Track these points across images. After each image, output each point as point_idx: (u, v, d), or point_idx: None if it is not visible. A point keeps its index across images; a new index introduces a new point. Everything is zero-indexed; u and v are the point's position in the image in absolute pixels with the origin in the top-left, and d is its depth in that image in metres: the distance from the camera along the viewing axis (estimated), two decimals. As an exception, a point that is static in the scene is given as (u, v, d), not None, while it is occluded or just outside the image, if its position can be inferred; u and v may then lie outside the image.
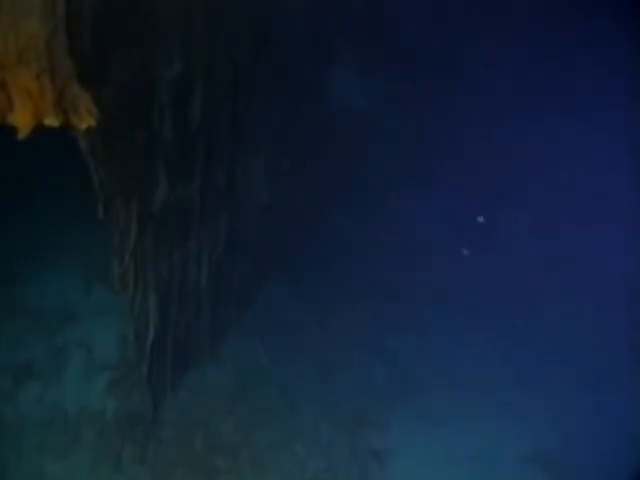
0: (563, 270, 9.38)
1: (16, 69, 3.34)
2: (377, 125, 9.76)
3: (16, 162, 6.81)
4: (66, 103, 3.51)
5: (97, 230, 5.30)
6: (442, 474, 6.20)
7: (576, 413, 6.77)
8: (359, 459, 6.20)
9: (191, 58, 5.33)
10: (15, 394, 6.42)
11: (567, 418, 6.74)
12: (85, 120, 3.56)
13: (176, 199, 5.92)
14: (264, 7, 6.24)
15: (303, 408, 6.65)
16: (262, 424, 6.31)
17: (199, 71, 5.50)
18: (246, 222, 7.53)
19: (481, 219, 9.12)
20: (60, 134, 3.81)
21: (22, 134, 3.48)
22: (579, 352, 7.84)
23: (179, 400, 6.53)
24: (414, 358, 7.48)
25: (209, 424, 6.23)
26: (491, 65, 10.18)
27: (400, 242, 9.44)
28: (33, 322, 7.22)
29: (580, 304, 8.70)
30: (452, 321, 8.04)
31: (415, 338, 7.77)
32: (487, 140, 10.60)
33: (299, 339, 7.59)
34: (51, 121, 3.48)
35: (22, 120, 3.44)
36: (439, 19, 9.69)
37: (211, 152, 6.23)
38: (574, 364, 7.50)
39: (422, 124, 10.34)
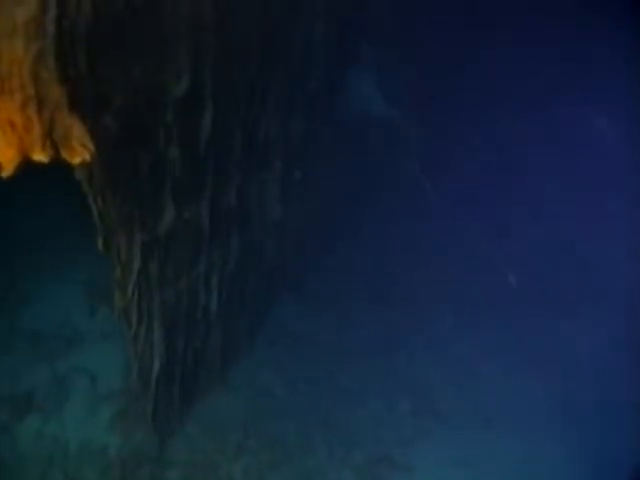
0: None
1: (-3, 99, 2.89)
2: (395, 132, 9.27)
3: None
4: (56, 136, 3.06)
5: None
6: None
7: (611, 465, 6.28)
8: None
9: (201, 72, 4.87)
10: (13, 427, 6.02)
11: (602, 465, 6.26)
12: (78, 154, 3.12)
13: (183, 222, 5.49)
14: (278, 13, 5.76)
15: (320, 444, 6.20)
16: (276, 464, 5.86)
17: (209, 85, 5.04)
18: (258, 240, 7.10)
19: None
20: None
21: (6, 171, 3.04)
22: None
23: (187, 435, 6.12)
24: (441, 388, 6.97)
25: (219, 464, 5.78)
26: (507, 68, 9.89)
27: (422, 256, 8.99)
28: (32, 346, 6.83)
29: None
30: (484, 346, 7.54)
31: (442, 365, 7.28)
32: (506, 144, 10.31)
33: (315, 366, 7.14)
34: (39, 156, 3.04)
35: (6, 156, 3.00)
36: (458, 22, 9.25)
37: (221, 169, 5.80)
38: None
39: (442, 130, 9.87)
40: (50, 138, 3.02)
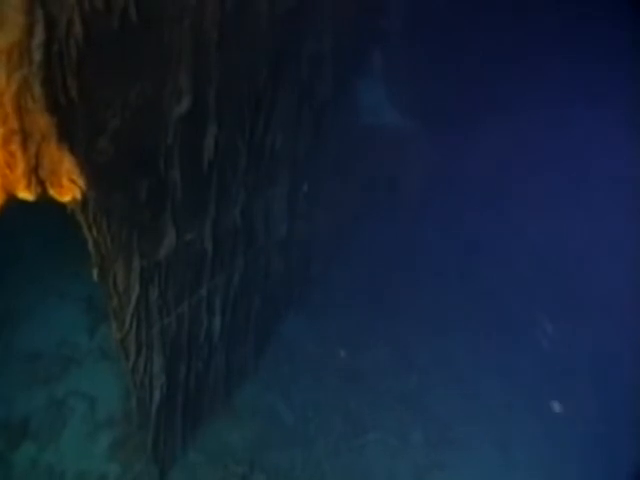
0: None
1: (-23, 133, 2.62)
2: (406, 143, 8.98)
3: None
4: (43, 172, 2.79)
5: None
6: None
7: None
8: None
9: (203, 89, 4.59)
10: (7, 456, 5.76)
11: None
12: (67, 192, 2.84)
13: (185, 245, 5.21)
14: (285, 26, 5.47)
15: (330, 477, 5.90)
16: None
17: (212, 103, 4.76)
18: (263, 258, 6.82)
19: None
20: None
21: (-11, 210, 2.77)
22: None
23: (189, 465, 5.85)
24: (458, 415, 6.66)
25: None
26: (519, 75, 9.73)
27: (434, 271, 8.71)
28: (28, 367, 6.55)
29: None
30: (500, 367, 7.22)
31: (457, 391, 6.96)
32: (520, 159, 10.11)
33: (323, 388, 6.85)
34: (24, 195, 2.77)
35: (-13, 194, 2.73)
36: (471, 32, 9.01)
37: (225, 189, 5.53)
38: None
39: (453, 139, 9.59)
40: (36, 174, 2.74)
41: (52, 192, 2.85)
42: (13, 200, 2.80)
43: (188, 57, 4.30)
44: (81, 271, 7.40)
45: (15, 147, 2.68)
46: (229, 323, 6.35)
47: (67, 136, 2.96)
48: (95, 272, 4.14)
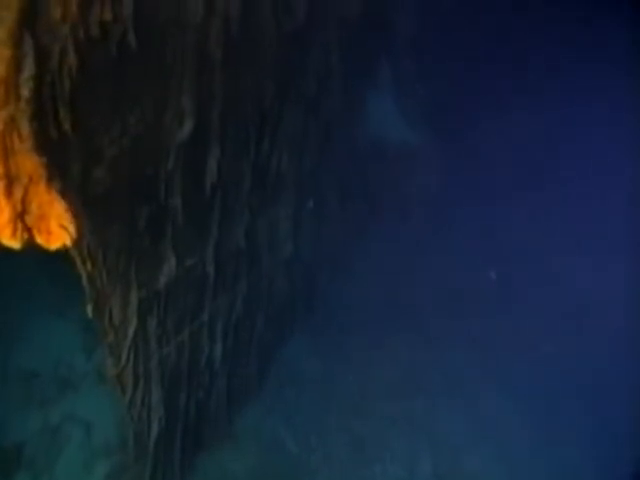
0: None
1: (-41, 178, 2.39)
2: (416, 160, 8.74)
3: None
4: (30, 218, 2.55)
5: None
6: None
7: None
8: None
9: (206, 110, 4.36)
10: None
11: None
12: (57, 239, 2.60)
13: (186, 270, 4.98)
14: (293, 41, 5.24)
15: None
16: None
17: (216, 125, 4.52)
18: (267, 280, 6.59)
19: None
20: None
21: (-28, 258, 2.53)
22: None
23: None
24: (468, 443, 6.41)
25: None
26: (525, 82, 9.52)
27: (442, 288, 8.47)
28: (24, 389, 6.33)
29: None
30: (512, 391, 6.97)
31: (468, 416, 6.71)
32: (527, 160, 9.86)
33: (328, 413, 6.61)
34: (10, 243, 2.53)
35: (-30, 242, 2.49)
36: (480, 42, 8.80)
37: (229, 211, 5.30)
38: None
39: (462, 149, 9.36)
40: (22, 221, 2.51)
41: (40, 239, 2.61)
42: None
43: (191, 79, 4.06)
44: (79, 290, 7.23)
45: (-1, 192, 2.45)
46: (231, 347, 6.12)
47: (58, 175, 2.72)
48: (90, 308, 3.89)
